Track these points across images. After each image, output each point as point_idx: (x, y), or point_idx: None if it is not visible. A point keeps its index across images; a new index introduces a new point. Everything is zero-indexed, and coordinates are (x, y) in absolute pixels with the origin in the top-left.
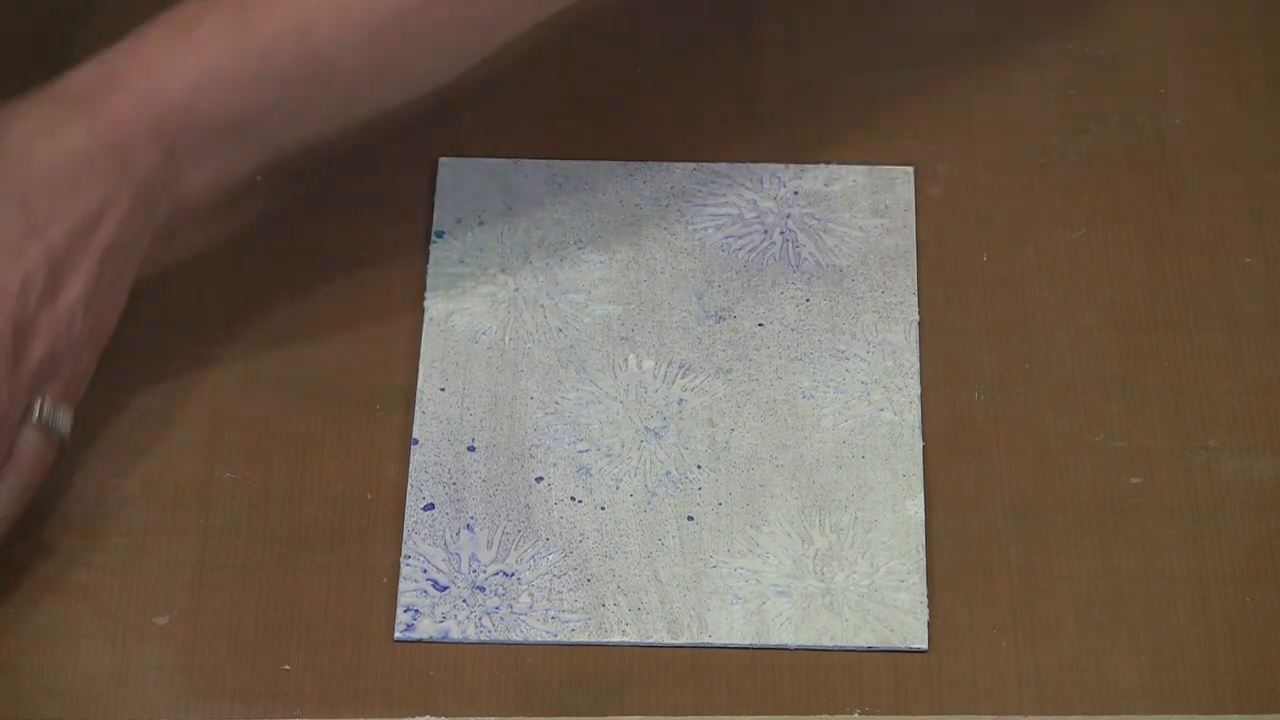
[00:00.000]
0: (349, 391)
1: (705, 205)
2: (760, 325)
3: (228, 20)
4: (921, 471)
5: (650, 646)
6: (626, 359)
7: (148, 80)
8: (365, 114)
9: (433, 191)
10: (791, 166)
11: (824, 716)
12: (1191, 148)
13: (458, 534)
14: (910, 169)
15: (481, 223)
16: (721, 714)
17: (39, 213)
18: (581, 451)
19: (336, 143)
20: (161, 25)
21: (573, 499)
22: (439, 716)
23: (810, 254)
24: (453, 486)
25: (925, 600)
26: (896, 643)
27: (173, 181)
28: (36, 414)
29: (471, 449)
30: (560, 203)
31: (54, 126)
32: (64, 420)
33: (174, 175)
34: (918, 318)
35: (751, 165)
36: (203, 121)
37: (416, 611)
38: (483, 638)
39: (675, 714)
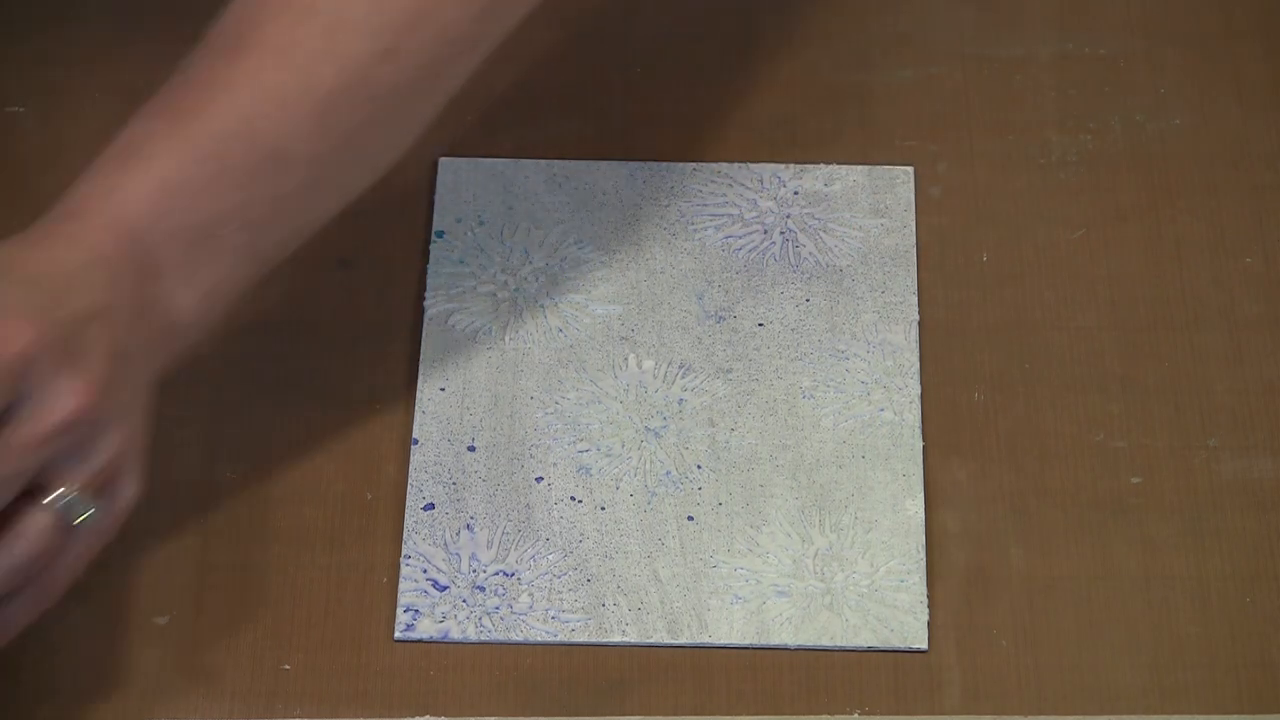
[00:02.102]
0: (349, 391)
1: (705, 205)
2: (760, 325)
3: (171, 132)
4: (921, 471)
5: (650, 646)
6: (626, 359)
7: (110, 204)
8: (344, 197)
9: (433, 191)
10: (791, 166)
11: (824, 716)
12: (1191, 148)
13: (458, 534)
14: (910, 169)
15: (481, 223)
16: (721, 714)
17: (46, 296)
18: (582, 451)
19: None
20: (113, 150)
21: (573, 499)
22: (439, 716)
23: (810, 254)
24: (453, 486)
25: (925, 600)
26: (896, 643)
27: (163, 301)
28: (50, 497)
29: (471, 449)
30: (560, 203)
31: (39, 243)
32: (81, 510)
33: (163, 295)
34: (918, 318)
35: (751, 165)
36: (172, 234)
37: (416, 611)
38: (483, 638)
39: (675, 714)
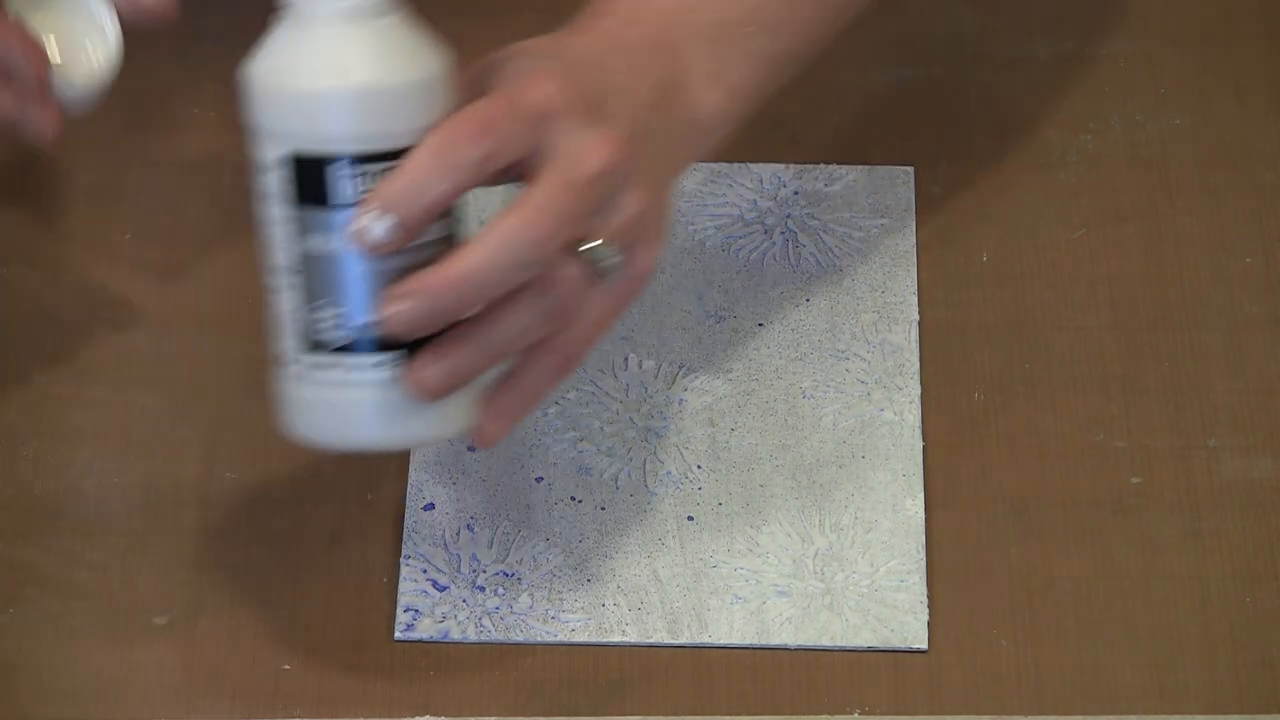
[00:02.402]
0: None
1: (705, 205)
2: (760, 325)
3: None
4: (921, 471)
5: (650, 646)
6: (626, 358)
7: (636, 3)
8: (838, 21)
9: None
10: (791, 166)
11: (824, 717)
12: (1191, 148)
13: (458, 534)
14: (910, 169)
15: (482, 223)
16: (721, 714)
17: (572, 67)
18: (581, 451)
19: None
20: None
21: (573, 499)
22: (439, 716)
23: (810, 254)
24: (453, 486)
25: (925, 600)
26: (896, 643)
27: (687, 94)
28: (585, 246)
29: (471, 449)
30: None
31: (569, 35)
32: (607, 258)
33: (686, 88)
34: (918, 318)
35: (751, 165)
36: (694, 32)
37: (416, 612)
38: (483, 638)
39: (675, 714)
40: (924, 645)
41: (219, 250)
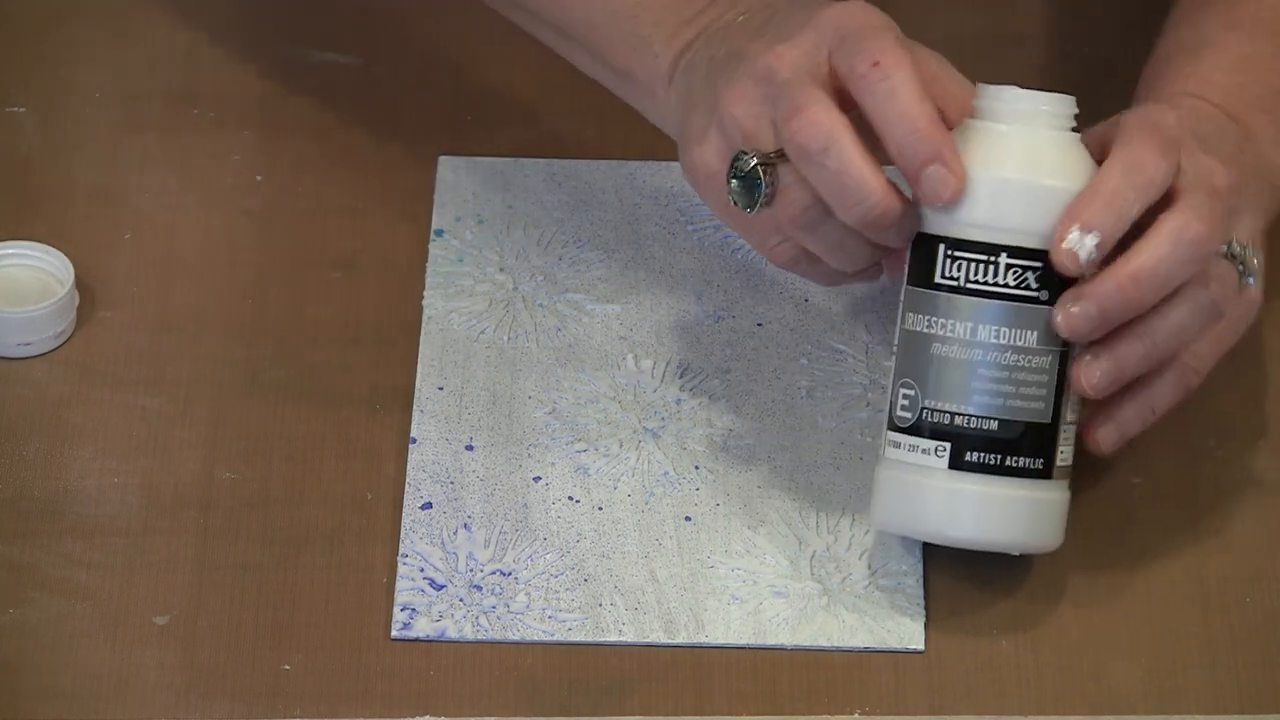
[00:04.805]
0: (348, 391)
1: (705, 205)
2: (759, 325)
3: (1228, 22)
4: None
5: (648, 646)
6: (625, 358)
7: (1190, 84)
8: None
9: (432, 190)
10: None
11: (824, 717)
12: None
13: (455, 533)
14: None
15: (481, 221)
16: (721, 714)
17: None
18: (579, 451)
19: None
20: (1173, 48)
21: (570, 498)
22: (438, 716)
23: None
24: (450, 485)
25: (922, 602)
26: (893, 644)
27: (1261, 159)
28: (1227, 248)
29: (470, 448)
30: (560, 202)
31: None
32: (1250, 256)
33: (1260, 154)
34: None
35: None
36: (1251, 103)
37: (413, 610)
38: (479, 637)
39: (675, 714)
40: (920, 646)
41: (219, 250)
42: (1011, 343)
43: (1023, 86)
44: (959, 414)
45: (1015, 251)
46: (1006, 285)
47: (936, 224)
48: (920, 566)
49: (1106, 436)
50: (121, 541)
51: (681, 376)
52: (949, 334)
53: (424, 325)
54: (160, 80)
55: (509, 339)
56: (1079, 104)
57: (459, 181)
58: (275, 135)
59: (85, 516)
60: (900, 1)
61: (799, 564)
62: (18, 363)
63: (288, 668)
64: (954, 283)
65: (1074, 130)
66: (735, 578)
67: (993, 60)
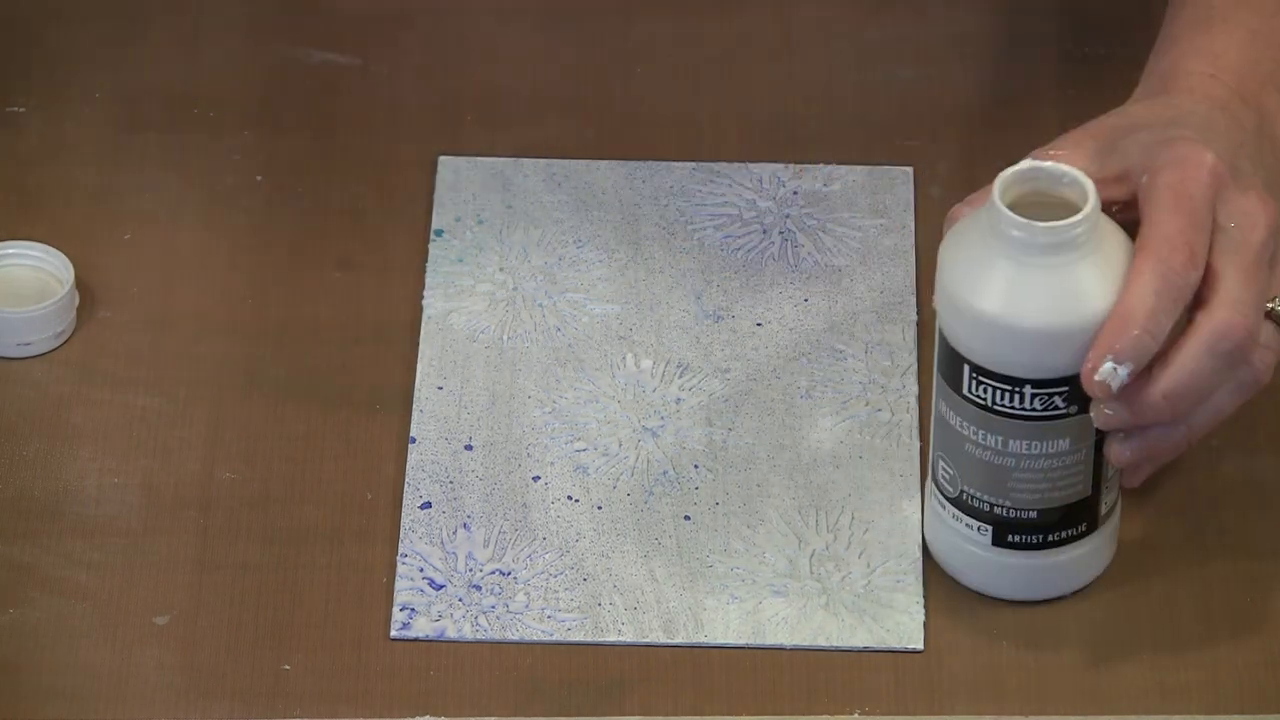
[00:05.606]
0: (348, 391)
1: (705, 205)
2: (759, 325)
3: None
4: (919, 472)
5: (648, 646)
6: (624, 358)
7: (1203, 60)
8: None
9: (432, 190)
10: (791, 166)
11: (824, 717)
12: None
13: (454, 533)
14: (910, 169)
15: (481, 221)
16: (720, 714)
17: (1199, 133)
18: (579, 450)
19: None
20: (1187, 21)
21: (570, 498)
22: (438, 716)
23: (809, 254)
24: (450, 485)
25: (921, 601)
26: (892, 643)
27: (1276, 138)
28: (1270, 305)
29: (469, 448)
30: (560, 202)
31: (1156, 99)
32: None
33: (1275, 133)
34: (917, 318)
35: (751, 165)
36: (1265, 80)
37: (413, 610)
38: (479, 636)
39: (674, 714)
40: (920, 645)
41: (219, 250)
42: (1044, 452)
43: (1042, 184)
44: (998, 505)
45: (1039, 383)
46: (1034, 410)
47: (962, 343)
48: (920, 566)
49: (1138, 477)
50: (121, 541)
51: (681, 376)
52: (981, 441)
53: (424, 325)
54: (160, 80)
55: (509, 339)
56: (1079, 104)
57: (459, 181)
58: (275, 135)
59: (85, 516)
60: (903, 2)
61: (798, 563)
62: (18, 363)
63: (288, 668)
64: (982, 401)
65: (1096, 219)
66: (734, 577)
67: (993, 59)
